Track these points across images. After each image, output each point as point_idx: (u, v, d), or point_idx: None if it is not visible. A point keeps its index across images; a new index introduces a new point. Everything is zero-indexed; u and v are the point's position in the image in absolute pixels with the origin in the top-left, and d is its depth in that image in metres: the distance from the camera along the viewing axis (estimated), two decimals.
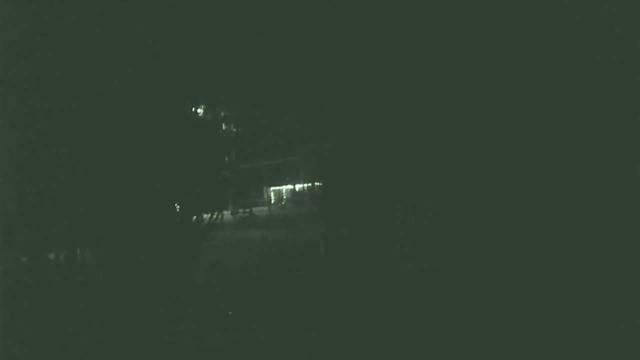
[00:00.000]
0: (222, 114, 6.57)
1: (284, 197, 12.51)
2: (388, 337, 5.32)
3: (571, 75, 5.71)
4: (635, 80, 5.52)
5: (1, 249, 5.05)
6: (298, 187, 11.57)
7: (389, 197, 6.51)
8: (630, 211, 5.43)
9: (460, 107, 6.06)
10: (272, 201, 12.44)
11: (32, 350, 4.96)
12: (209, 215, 5.85)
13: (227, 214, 7.08)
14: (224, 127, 6.59)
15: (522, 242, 5.70)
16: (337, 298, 6.48)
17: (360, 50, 6.40)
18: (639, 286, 5.12)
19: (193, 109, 6.24)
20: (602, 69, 5.61)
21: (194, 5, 5.64)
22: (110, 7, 5.15)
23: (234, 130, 6.78)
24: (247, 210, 6.56)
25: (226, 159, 6.54)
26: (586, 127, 5.63)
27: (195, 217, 5.81)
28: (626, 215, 5.44)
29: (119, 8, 5.17)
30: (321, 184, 8.74)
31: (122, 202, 5.20)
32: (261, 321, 6.12)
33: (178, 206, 5.84)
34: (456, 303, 5.65)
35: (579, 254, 5.46)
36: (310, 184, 10.11)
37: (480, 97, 5.99)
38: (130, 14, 5.22)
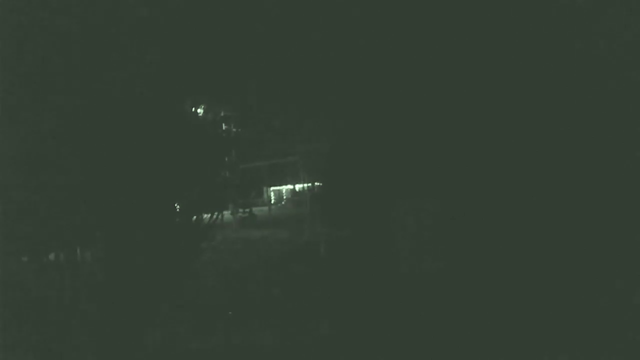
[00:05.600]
0: (222, 114, 6.57)
1: (284, 197, 12.48)
2: (389, 337, 5.32)
3: (571, 75, 5.71)
4: (636, 80, 5.52)
5: (1, 249, 5.05)
6: (298, 187, 11.54)
7: (390, 197, 6.50)
8: (630, 211, 5.43)
9: (461, 108, 6.06)
10: (272, 201, 12.41)
11: (32, 350, 4.96)
12: (209, 215, 5.85)
13: (227, 214, 7.07)
14: (224, 127, 6.59)
15: (523, 242, 5.69)
16: (337, 298, 6.47)
17: (362, 50, 6.40)
18: (638, 286, 5.12)
19: (193, 109, 6.24)
20: (602, 68, 5.61)
21: (195, 6, 5.64)
22: (111, 8, 5.15)
23: (234, 130, 6.78)
24: (247, 210, 6.55)
25: (226, 159, 6.54)
26: (586, 127, 5.63)
27: (195, 217, 5.81)
28: (626, 215, 5.44)
29: (120, 9, 5.18)
30: (321, 184, 8.72)
31: (122, 202, 5.20)
32: (261, 321, 6.12)
33: (178, 206, 5.84)
34: (457, 302, 5.64)
35: (579, 254, 5.45)
36: (310, 184, 10.09)
37: (481, 97, 5.99)
38: (132, 15, 5.22)
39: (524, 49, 5.83)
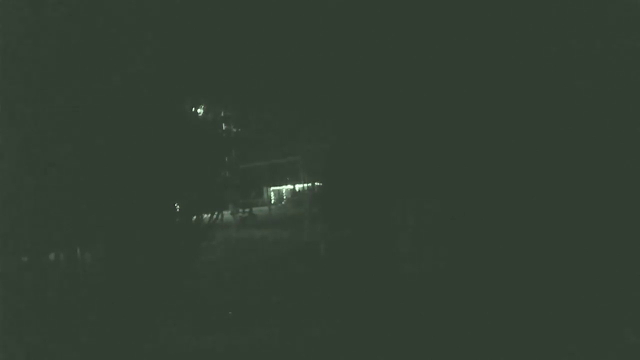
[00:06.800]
0: (222, 114, 6.57)
1: (284, 197, 12.48)
2: (389, 338, 5.32)
3: (572, 75, 5.71)
4: (636, 80, 5.52)
5: (1, 249, 5.05)
6: (298, 187, 11.54)
7: (390, 197, 6.50)
8: (630, 211, 5.43)
9: (461, 107, 6.06)
10: (272, 201, 12.41)
11: (32, 350, 4.95)
12: (209, 215, 5.85)
13: (227, 214, 7.07)
14: (224, 127, 6.59)
15: (523, 242, 5.69)
16: (337, 298, 6.48)
17: (361, 49, 6.39)
18: (638, 286, 5.12)
19: (193, 109, 6.24)
20: (602, 68, 5.61)
21: (194, 5, 5.64)
22: (110, 7, 5.15)
23: (234, 130, 6.78)
24: (247, 210, 6.55)
25: (226, 159, 6.54)
26: (587, 127, 5.63)
27: (195, 217, 5.80)
28: (626, 216, 5.44)
29: (119, 8, 5.17)
30: (321, 184, 8.73)
31: (122, 202, 5.19)
32: (261, 321, 6.12)
33: (178, 206, 5.84)
34: (458, 303, 5.64)
35: (580, 255, 5.45)
36: (310, 184, 10.10)
37: (481, 96, 5.99)
38: (131, 14, 5.22)
39: (524, 48, 5.83)
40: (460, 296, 5.73)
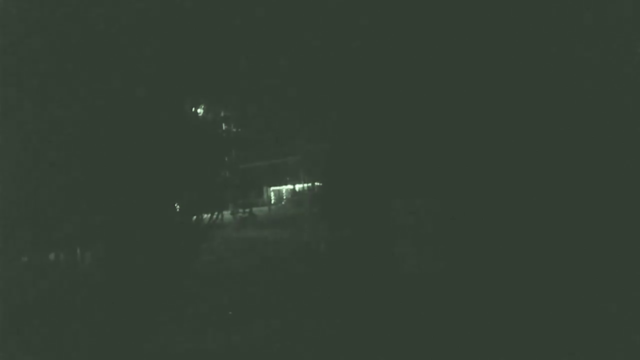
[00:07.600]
0: (222, 114, 6.58)
1: (284, 197, 12.49)
2: (389, 337, 5.32)
3: (572, 75, 5.71)
4: (636, 80, 5.52)
5: (1, 249, 5.05)
6: (298, 187, 11.55)
7: (390, 197, 6.50)
8: (630, 211, 5.43)
9: (461, 107, 6.06)
10: (272, 201, 12.42)
11: (32, 350, 4.96)
12: (209, 215, 5.85)
13: (227, 214, 7.08)
14: (224, 127, 6.59)
15: (522, 242, 5.69)
16: (337, 298, 6.47)
17: (361, 50, 6.39)
18: (638, 286, 5.12)
19: (193, 109, 6.25)
20: (603, 69, 5.61)
21: (195, 5, 5.65)
22: (111, 8, 5.16)
23: (234, 130, 6.78)
24: (247, 210, 6.56)
25: (226, 159, 6.54)
26: (586, 126, 5.63)
27: (195, 217, 5.81)
28: (626, 215, 5.44)
29: (120, 9, 5.18)
30: (321, 184, 8.73)
31: (123, 202, 5.20)
32: (261, 321, 6.12)
33: (178, 206, 5.85)
34: (457, 302, 5.64)
35: (579, 254, 5.45)
36: (310, 184, 10.11)
37: (480, 96, 5.99)
38: (132, 15, 5.22)
39: (524, 47, 5.83)
40: (460, 296, 5.73)
